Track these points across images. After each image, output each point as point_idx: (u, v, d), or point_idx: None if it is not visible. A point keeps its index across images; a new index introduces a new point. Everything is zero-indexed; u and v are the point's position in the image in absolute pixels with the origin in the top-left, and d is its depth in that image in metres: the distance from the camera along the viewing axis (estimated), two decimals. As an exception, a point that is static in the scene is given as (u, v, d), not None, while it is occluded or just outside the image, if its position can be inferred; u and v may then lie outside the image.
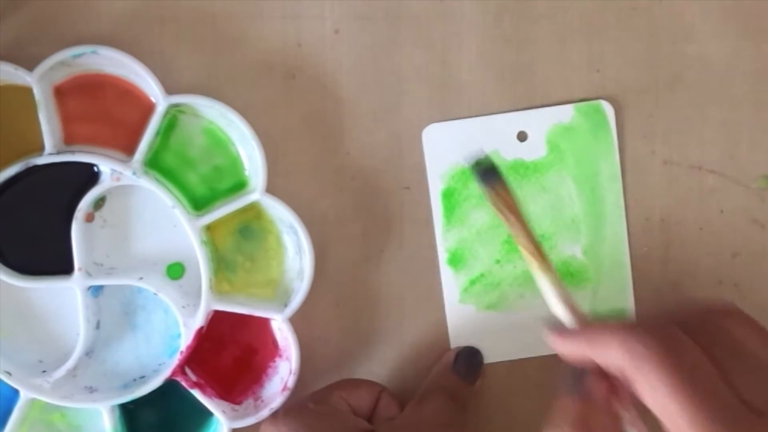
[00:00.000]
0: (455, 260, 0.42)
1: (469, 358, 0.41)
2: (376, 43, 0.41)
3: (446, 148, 0.41)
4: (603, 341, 0.29)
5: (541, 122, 0.41)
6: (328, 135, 0.41)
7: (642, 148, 0.42)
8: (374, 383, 0.41)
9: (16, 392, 0.39)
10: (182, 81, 0.40)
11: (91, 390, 0.40)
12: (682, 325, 0.29)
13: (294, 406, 0.37)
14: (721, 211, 0.42)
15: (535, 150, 0.42)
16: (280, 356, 0.41)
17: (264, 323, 0.41)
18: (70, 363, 0.40)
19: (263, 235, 0.41)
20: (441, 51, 0.41)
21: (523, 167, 0.42)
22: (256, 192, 0.40)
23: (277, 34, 0.41)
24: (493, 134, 0.41)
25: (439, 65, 0.41)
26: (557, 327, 0.32)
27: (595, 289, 0.42)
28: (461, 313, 0.42)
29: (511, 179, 0.41)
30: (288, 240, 0.41)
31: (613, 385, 0.30)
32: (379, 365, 0.42)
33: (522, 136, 0.41)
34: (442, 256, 0.42)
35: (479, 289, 0.42)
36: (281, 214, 0.40)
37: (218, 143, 0.41)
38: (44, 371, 0.40)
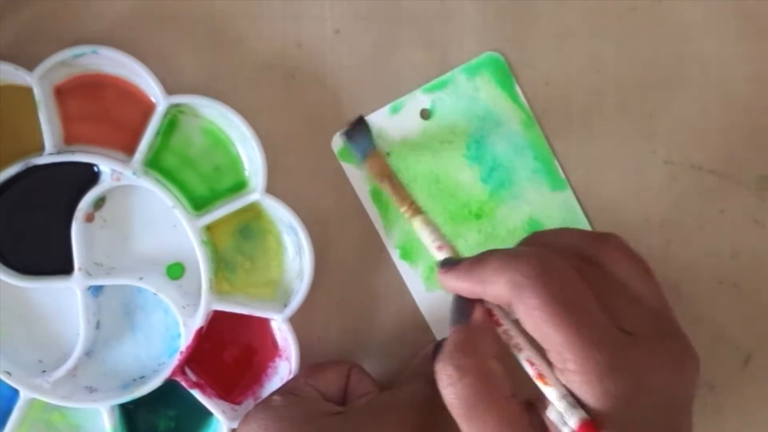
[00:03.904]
0: (407, 253, 0.42)
1: None
2: (376, 43, 0.41)
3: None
4: (487, 275, 0.30)
5: (440, 94, 0.41)
6: (329, 135, 0.41)
7: (642, 148, 0.42)
8: (341, 362, 0.40)
9: (16, 392, 0.39)
10: (182, 81, 0.40)
11: (91, 390, 0.40)
12: (562, 251, 0.30)
13: (262, 403, 0.37)
14: (721, 211, 0.42)
15: (439, 122, 0.41)
16: (280, 356, 0.41)
17: (264, 323, 0.41)
18: (70, 363, 0.40)
19: (263, 235, 0.41)
20: (441, 51, 0.41)
21: (434, 141, 0.41)
22: (256, 192, 0.40)
23: (277, 34, 0.41)
24: (395, 120, 0.41)
25: (439, 65, 0.41)
26: (447, 265, 0.32)
27: None
28: (433, 301, 0.42)
29: (426, 157, 0.41)
30: (288, 240, 0.41)
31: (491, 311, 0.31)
32: (379, 365, 0.42)
33: (425, 114, 0.41)
34: (394, 254, 0.42)
35: None
36: (281, 215, 0.40)
37: (218, 143, 0.41)
38: (44, 371, 0.40)
